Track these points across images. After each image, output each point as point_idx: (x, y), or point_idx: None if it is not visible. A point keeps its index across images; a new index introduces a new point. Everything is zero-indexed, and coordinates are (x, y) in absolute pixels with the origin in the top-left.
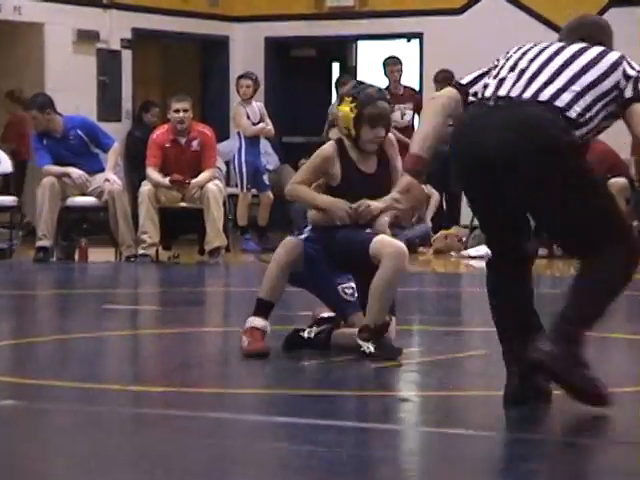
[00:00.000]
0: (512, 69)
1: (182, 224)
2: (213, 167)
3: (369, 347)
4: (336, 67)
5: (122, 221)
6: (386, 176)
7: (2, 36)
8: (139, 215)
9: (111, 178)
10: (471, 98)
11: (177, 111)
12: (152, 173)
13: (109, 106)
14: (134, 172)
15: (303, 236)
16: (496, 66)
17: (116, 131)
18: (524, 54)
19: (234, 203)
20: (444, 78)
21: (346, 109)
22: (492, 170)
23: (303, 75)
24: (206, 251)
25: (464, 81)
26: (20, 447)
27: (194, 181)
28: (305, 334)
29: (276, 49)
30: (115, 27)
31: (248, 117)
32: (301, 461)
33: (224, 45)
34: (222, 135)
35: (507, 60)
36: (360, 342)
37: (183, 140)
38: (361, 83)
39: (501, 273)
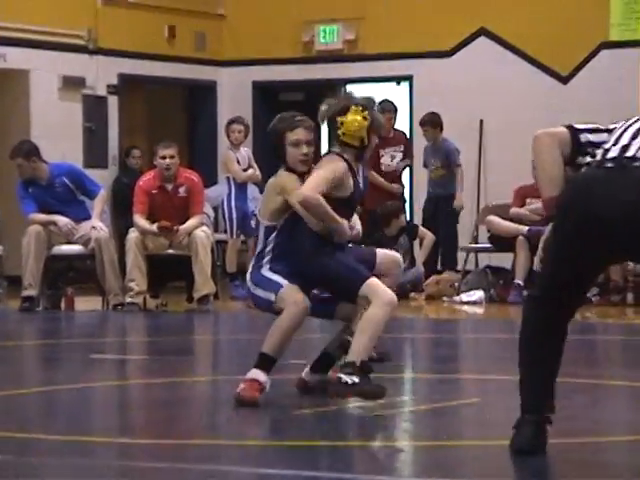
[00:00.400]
0: (635, 137)
1: (170, 271)
2: (200, 213)
3: (352, 379)
4: None
5: (109, 269)
6: None
7: None
8: (126, 263)
9: (97, 225)
10: (587, 159)
11: (163, 157)
12: (139, 220)
13: (95, 152)
14: (121, 219)
15: (267, 258)
16: (608, 130)
17: (103, 178)
18: None
19: (222, 249)
20: (429, 121)
21: (359, 118)
22: (613, 227)
23: None
24: (195, 299)
25: (579, 126)
26: None
27: (182, 227)
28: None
29: (264, 93)
30: (101, 73)
31: (238, 162)
32: None
33: (211, 90)
34: (210, 180)
35: (625, 130)
36: (342, 375)
37: (170, 186)
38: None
39: (555, 316)
